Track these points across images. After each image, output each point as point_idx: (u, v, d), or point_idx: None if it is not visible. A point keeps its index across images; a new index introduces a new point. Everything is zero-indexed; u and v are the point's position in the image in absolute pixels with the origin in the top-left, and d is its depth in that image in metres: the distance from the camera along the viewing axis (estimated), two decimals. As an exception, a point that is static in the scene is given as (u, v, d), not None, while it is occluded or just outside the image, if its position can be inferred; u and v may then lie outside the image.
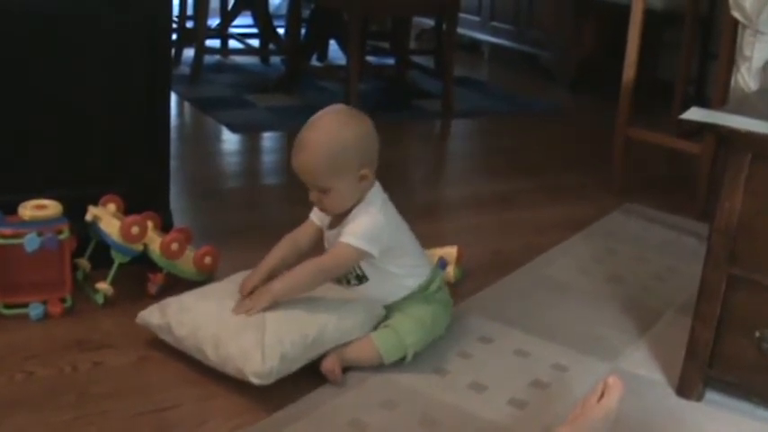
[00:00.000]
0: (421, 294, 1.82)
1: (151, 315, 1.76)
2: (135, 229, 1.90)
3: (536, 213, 2.77)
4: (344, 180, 1.70)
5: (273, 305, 1.68)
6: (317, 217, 1.85)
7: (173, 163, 2.22)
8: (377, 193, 1.77)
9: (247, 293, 1.73)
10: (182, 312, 1.72)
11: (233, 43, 4.85)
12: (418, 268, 1.84)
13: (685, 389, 1.72)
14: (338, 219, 1.78)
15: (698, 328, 1.68)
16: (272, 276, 1.76)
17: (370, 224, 1.72)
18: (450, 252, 2.16)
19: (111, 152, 2.06)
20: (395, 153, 3.22)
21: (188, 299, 1.77)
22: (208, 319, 1.68)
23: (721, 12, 3.28)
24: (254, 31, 4.84)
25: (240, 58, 4.84)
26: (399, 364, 1.74)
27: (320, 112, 1.74)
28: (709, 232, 1.65)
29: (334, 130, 1.70)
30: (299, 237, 1.86)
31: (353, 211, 1.74)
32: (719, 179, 1.63)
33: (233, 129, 3.51)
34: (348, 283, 1.81)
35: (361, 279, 1.79)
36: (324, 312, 1.70)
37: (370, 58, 4.64)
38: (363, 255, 1.72)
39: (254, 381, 1.57)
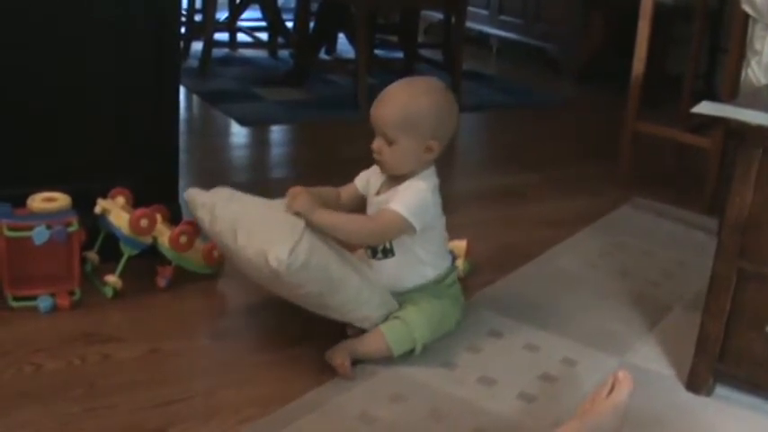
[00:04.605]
0: (434, 287, 1.82)
1: (200, 193, 1.82)
2: (144, 222, 1.91)
3: (544, 207, 2.77)
4: (411, 140, 1.73)
5: (305, 216, 1.69)
6: (360, 183, 1.88)
7: (181, 156, 2.22)
8: (432, 174, 1.81)
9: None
10: (231, 200, 1.78)
11: (241, 37, 4.85)
12: (440, 259, 1.85)
13: (695, 384, 1.72)
14: (387, 185, 1.81)
15: (708, 322, 1.68)
16: None
17: (419, 199, 1.75)
18: (460, 246, 2.16)
19: (120, 145, 2.06)
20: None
21: (240, 194, 1.82)
22: (252, 213, 1.72)
23: (731, 6, 3.27)
24: (263, 24, 4.84)
25: (249, 51, 4.84)
26: (408, 357, 1.74)
27: (415, 77, 1.83)
28: (720, 227, 1.65)
29: (415, 93, 1.77)
30: (341, 191, 1.90)
31: (406, 183, 1.77)
32: (730, 173, 1.62)
33: (241, 122, 3.51)
34: (374, 255, 1.81)
35: (387, 253, 1.80)
36: (353, 271, 1.71)
37: (378, 52, 4.64)
38: (408, 227, 1.73)
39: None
